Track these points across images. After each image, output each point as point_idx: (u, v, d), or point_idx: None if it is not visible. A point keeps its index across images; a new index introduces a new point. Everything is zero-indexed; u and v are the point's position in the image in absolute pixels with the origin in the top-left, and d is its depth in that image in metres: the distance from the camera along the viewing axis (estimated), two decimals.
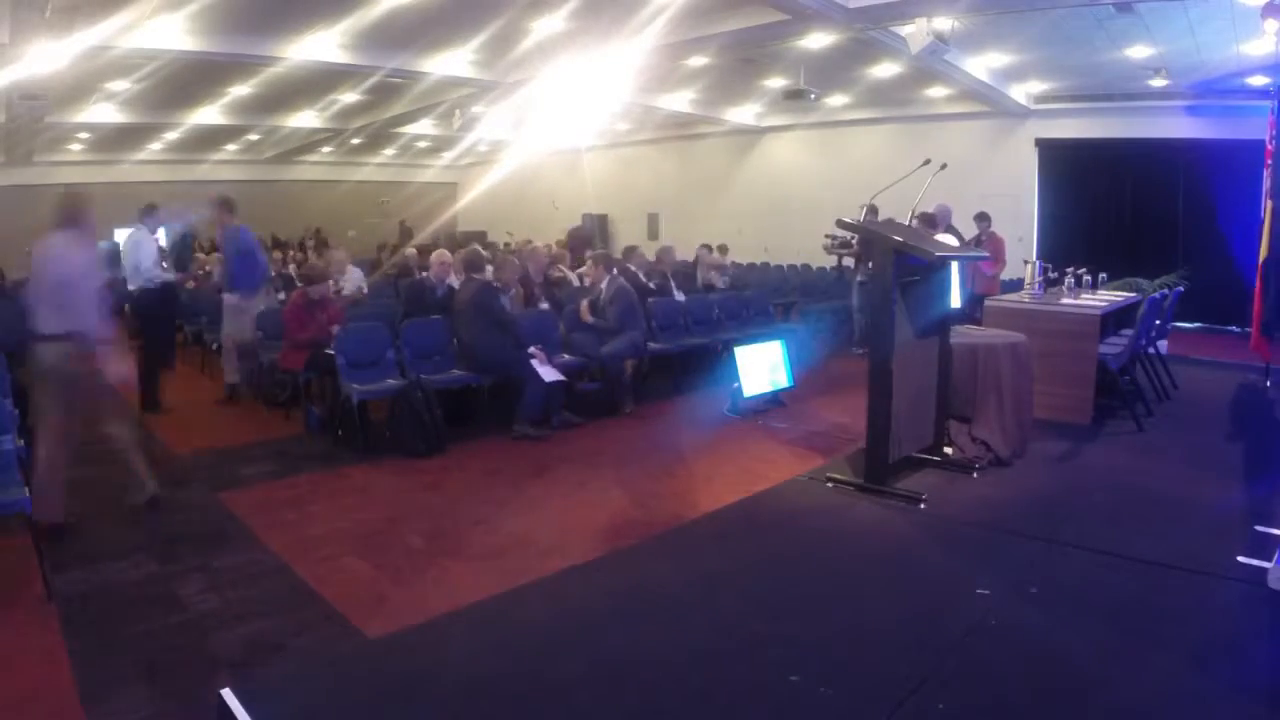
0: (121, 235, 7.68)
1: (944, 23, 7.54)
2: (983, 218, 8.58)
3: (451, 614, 2.99)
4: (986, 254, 8.04)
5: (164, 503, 4.10)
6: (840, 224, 4.34)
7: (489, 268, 6.53)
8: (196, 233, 11.95)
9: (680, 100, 13.18)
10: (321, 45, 9.15)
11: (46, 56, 7.07)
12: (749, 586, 3.24)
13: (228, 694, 2.35)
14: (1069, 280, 6.71)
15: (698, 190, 16.48)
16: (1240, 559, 3.33)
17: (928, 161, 4.66)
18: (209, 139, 15.80)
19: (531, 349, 5.65)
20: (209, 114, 13.22)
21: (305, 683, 2.57)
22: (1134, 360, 6.00)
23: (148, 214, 6.39)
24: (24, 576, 3.18)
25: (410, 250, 10.39)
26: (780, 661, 2.63)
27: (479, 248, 7.37)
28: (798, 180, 14.89)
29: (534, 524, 3.91)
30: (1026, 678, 2.55)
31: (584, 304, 6.51)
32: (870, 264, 4.57)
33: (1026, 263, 7.07)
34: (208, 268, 9.49)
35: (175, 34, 8.24)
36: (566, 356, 6.31)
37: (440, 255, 6.86)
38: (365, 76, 10.57)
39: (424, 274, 7.14)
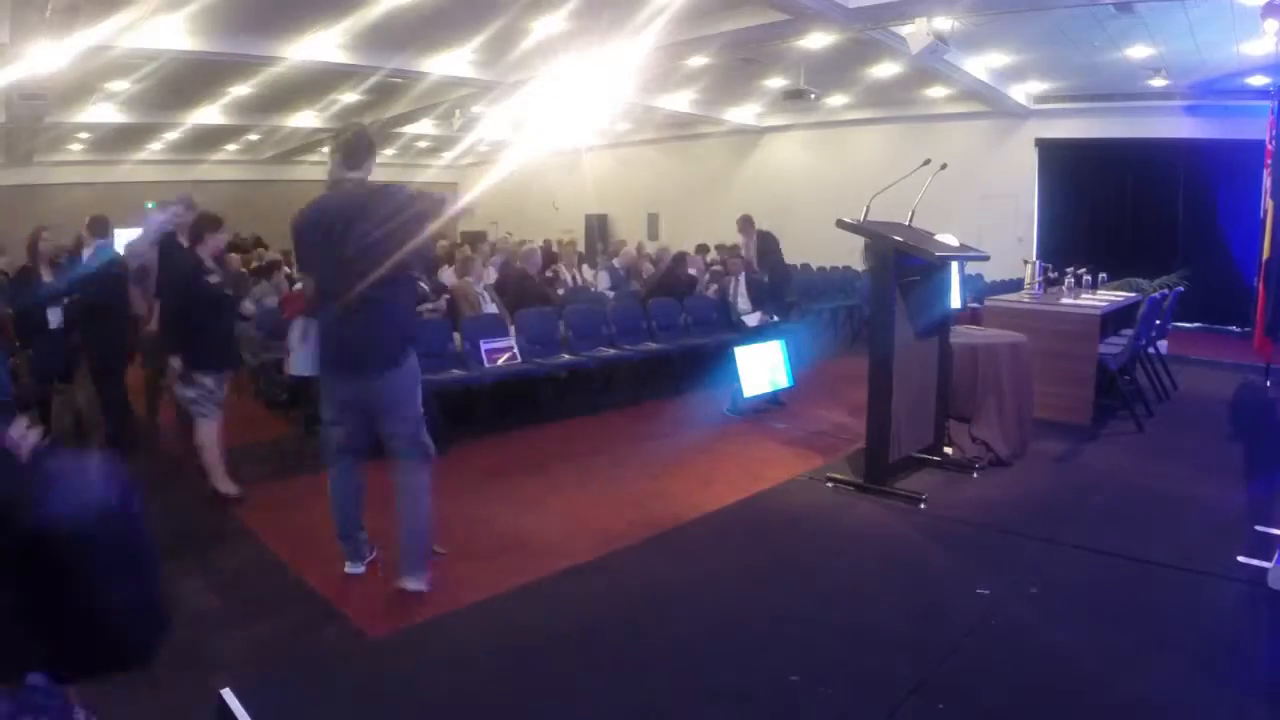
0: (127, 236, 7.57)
1: (944, 23, 7.54)
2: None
3: (451, 614, 2.99)
4: (986, 253, 8.02)
5: (164, 503, 4.10)
6: (840, 224, 4.34)
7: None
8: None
9: (680, 100, 13.18)
10: (321, 45, 9.15)
11: (46, 56, 7.06)
12: (749, 586, 3.25)
13: (228, 694, 2.35)
14: (1069, 280, 6.71)
15: (698, 190, 16.47)
16: (1240, 559, 3.33)
17: (928, 161, 4.65)
18: (209, 139, 15.79)
19: None
20: (209, 114, 13.22)
21: (305, 683, 2.57)
22: (1134, 360, 6.00)
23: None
24: None
25: None
26: (780, 661, 2.63)
27: None
28: (798, 180, 14.89)
29: (534, 524, 3.91)
30: (1026, 678, 2.55)
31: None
32: None
33: (1026, 263, 7.07)
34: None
35: (175, 34, 8.24)
36: (566, 356, 6.33)
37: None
38: (365, 76, 10.57)
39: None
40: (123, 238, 5.60)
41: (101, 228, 5.13)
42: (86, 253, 5.13)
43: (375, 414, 3.07)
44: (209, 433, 4.20)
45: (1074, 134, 11.80)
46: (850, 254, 11.86)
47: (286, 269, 7.93)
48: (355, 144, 3.11)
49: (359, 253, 2.92)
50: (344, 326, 3.01)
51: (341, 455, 3.18)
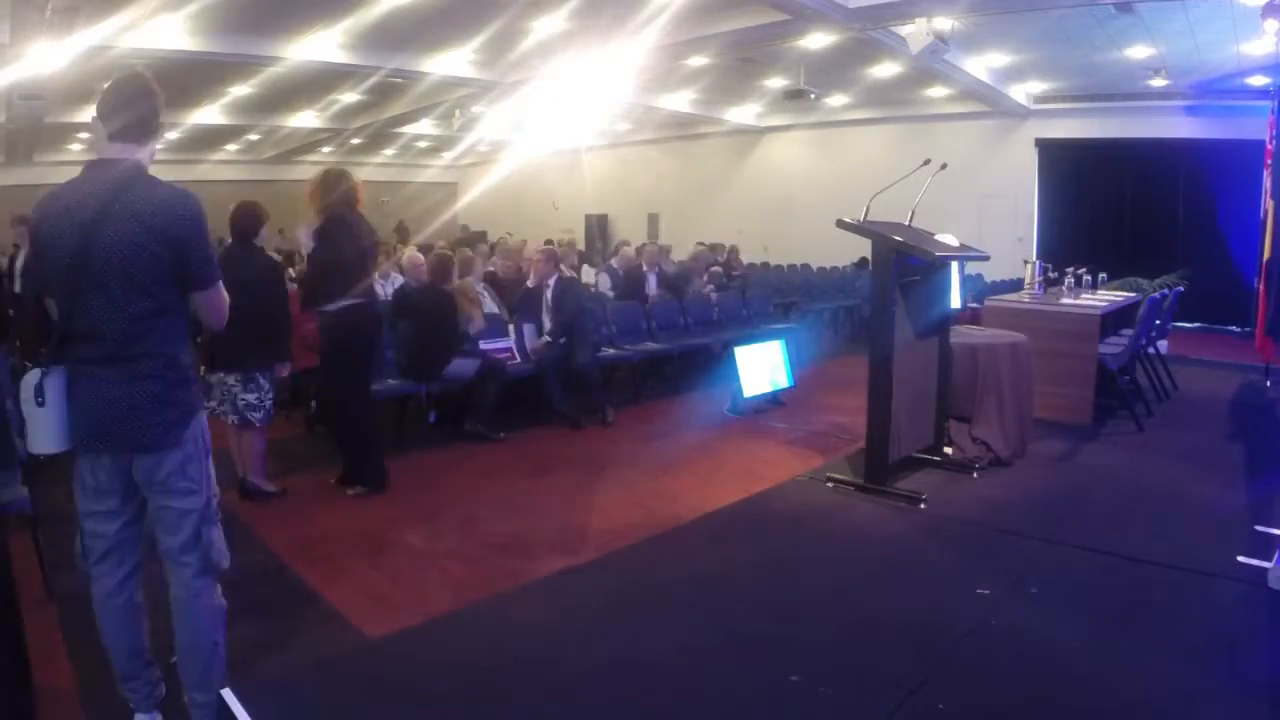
0: None
1: (944, 23, 7.56)
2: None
3: (451, 614, 2.99)
4: (986, 253, 8.06)
5: None
6: (840, 224, 4.34)
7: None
8: None
9: (680, 100, 13.20)
10: (321, 45, 9.17)
11: (46, 56, 7.07)
12: (749, 586, 3.24)
13: (228, 694, 2.35)
14: (1069, 280, 6.71)
15: (698, 190, 16.49)
16: (1240, 559, 3.33)
17: (928, 161, 4.65)
18: (209, 139, 15.81)
19: None
20: (209, 114, 13.24)
21: (305, 683, 2.57)
22: (1134, 360, 6.00)
23: None
24: (24, 576, 3.17)
25: (413, 251, 10.36)
26: (780, 661, 2.63)
27: None
28: (798, 180, 14.91)
29: (534, 524, 3.91)
30: (1026, 678, 2.55)
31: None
32: None
33: (1026, 263, 7.07)
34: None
35: (175, 34, 8.25)
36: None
37: (413, 257, 6.46)
38: (365, 76, 10.59)
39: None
40: None
41: None
42: None
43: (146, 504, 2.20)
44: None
45: (1074, 134, 11.82)
46: (852, 254, 11.91)
47: (291, 270, 7.92)
48: (124, 98, 2.19)
49: (109, 268, 1.96)
50: (95, 383, 2.02)
51: (106, 562, 2.21)
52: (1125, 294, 7.04)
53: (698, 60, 10.14)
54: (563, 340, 5.93)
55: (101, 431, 2.04)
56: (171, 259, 2.02)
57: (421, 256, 6.61)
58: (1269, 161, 7.05)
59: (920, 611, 2.99)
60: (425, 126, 15.54)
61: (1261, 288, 6.97)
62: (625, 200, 17.54)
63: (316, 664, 2.66)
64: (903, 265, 4.18)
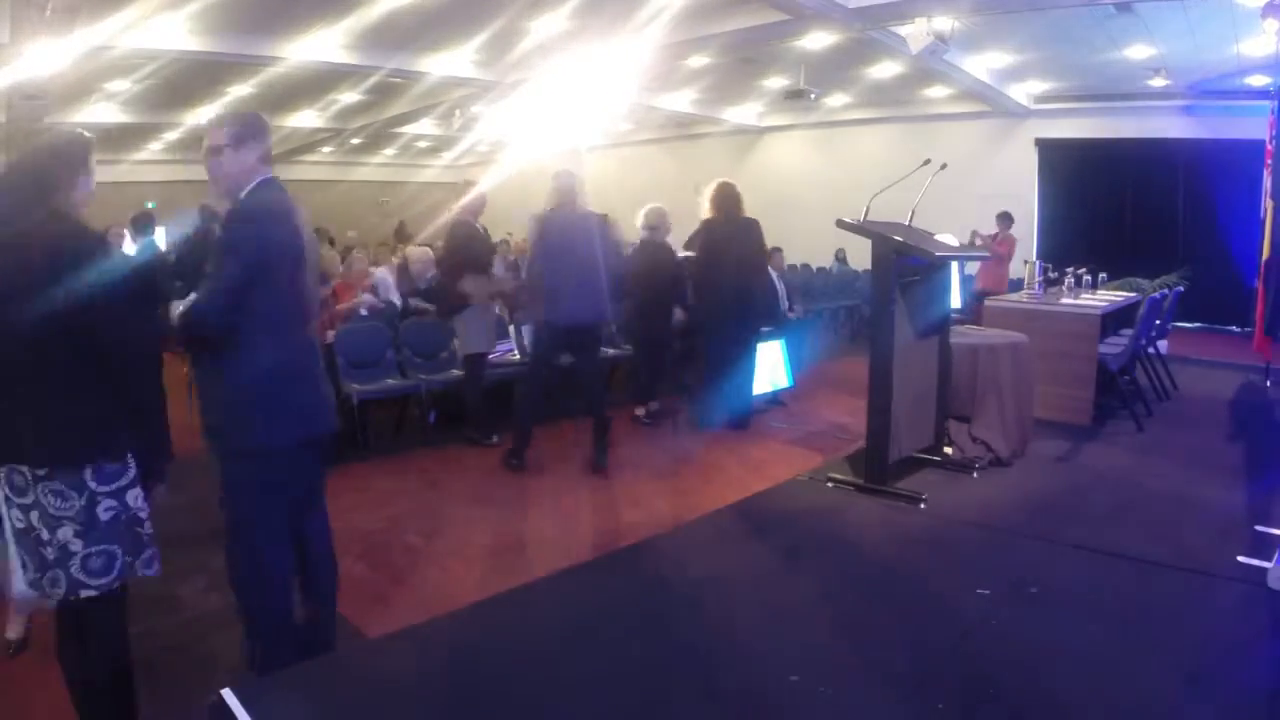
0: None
1: (944, 23, 7.55)
2: (1005, 217, 9.53)
3: (451, 614, 2.99)
4: (987, 253, 8.11)
5: (164, 503, 4.10)
6: (840, 224, 4.34)
7: None
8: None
9: (681, 100, 13.20)
10: (322, 45, 9.16)
11: (46, 56, 7.07)
12: (748, 587, 3.24)
13: (228, 694, 2.35)
14: (1069, 280, 6.71)
15: (698, 190, 16.48)
16: (1240, 559, 3.33)
17: (928, 161, 4.65)
18: None
19: None
20: (209, 114, 13.22)
21: (305, 683, 2.57)
22: (1134, 360, 6.00)
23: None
24: None
25: (418, 249, 10.37)
26: (780, 661, 2.63)
27: None
28: (798, 180, 14.89)
29: (534, 524, 3.91)
30: (1026, 678, 2.55)
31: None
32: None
33: (1026, 263, 7.07)
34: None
35: (175, 34, 8.25)
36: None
37: (423, 253, 6.56)
38: (365, 76, 10.59)
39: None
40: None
41: (145, 224, 5.24)
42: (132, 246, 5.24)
43: None
44: None
45: (1074, 134, 11.81)
46: (854, 254, 11.89)
47: None
48: None
49: None
50: None
51: None
52: (1125, 294, 7.03)
53: (698, 60, 10.14)
54: None
55: None
56: None
57: (429, 251, 6.68)
58: (1269, 161, 7.04)
59: (920, 611, 2.99)
60: (425, 126, 15.54)
61: (1260, 287, 6.97)
62: (625, 200, 17.49)
63: (316, 664, 2.67)
64: (903, 265, 4.18)
